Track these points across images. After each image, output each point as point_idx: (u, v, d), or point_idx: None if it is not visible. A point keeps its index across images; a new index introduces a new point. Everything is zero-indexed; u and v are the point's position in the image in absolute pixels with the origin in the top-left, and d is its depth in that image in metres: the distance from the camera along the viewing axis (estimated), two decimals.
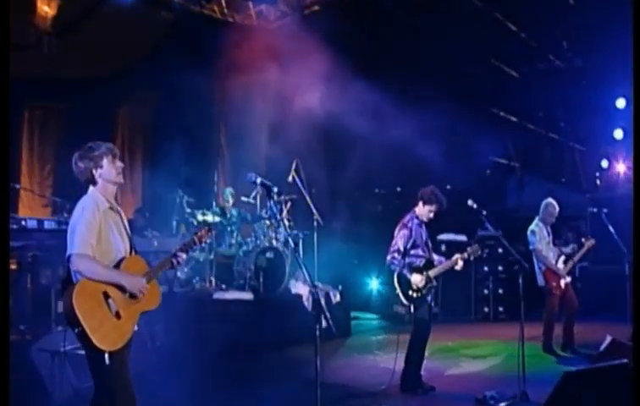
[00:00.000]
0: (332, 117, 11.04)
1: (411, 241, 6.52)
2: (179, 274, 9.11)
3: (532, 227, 8.37)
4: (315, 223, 10.11)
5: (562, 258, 8.28)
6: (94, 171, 3.99)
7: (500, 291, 11.67)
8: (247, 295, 8.76)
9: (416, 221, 6.61)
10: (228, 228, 9.62)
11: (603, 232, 9.95)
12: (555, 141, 16.52)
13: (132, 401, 3.89)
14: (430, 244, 6.77)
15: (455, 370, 7.56)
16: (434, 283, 6.53)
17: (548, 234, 8.40)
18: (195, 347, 7.71)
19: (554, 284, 8.16)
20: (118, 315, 3.82)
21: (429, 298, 6.57)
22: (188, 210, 9.68)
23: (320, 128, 11.58)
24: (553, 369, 7.43)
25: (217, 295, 8.68)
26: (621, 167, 13.43)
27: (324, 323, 9.53)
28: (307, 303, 9.25)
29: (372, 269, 12.49)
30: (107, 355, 3.73)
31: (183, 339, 7.65)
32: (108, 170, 4.00)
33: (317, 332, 3.85)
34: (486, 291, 11.67)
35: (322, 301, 9.24)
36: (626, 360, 4.75)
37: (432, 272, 6.49)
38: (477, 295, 11.74)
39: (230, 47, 10.39)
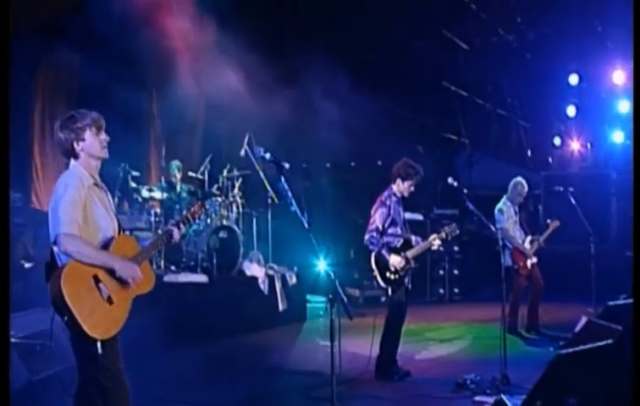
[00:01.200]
0: (277, 89, 11.04)
1: (390, 219, 6.63)
2: None
3: (499, 205, 8.66)
4: (269, 201, 10.09)
5: (529, 238, 8.65)
6: (75, 143, 3.85)
7: (456, 272, 12.05)
8: (201, 278, 8.65)
9: (394, 198, 6.72)
10: (177, 206, 9.44)
11: (561, 212, 10.47)
12: (503, 118, 17.10)
13: (126, 391, 3.81)
14: (407, 224, 6.91)
15: (425, 354, 7.78)
16: (412, 265, 6.66)
17: (516, 214, 8.73)
18: (147, 335, 7.54)
19: (521, 264, 8.50)
20: (110, 301, 3.72)
21: (406, 280, 6.70)
22: (133, 185, 9.46)
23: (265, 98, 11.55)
24: (522, 351, 7.80)
25: (169, 278, 8.54)
26: (575, 145, 14.03)
27: (280, 306, 9.66)
28: (263, 285, 9.25)
29: (321, 248, 12.56)
30: (99, 344, 3.63)
31: (133, 327, 7.47)
32: (91, 143, 3.87)
33: (330, 315, 3.79)
34: (441, 272, 12.01)
35: (279, 283, 9.44)
36: (611, 341, 5.04)
37: (410, 253, 6.63)
38: (432, 276, 12.08)
39: (162, 7, 10.13)
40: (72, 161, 3.90)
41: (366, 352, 6.85)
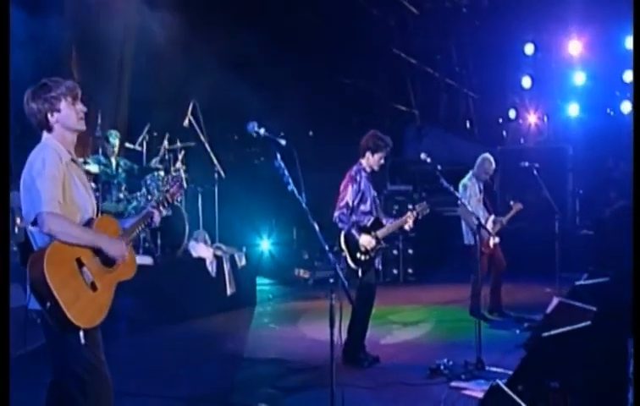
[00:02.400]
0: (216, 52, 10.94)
1: (359, 195, 6.71)
2: None
3: (464, 181, 8.83)
4: (216, 176, 10.00)
5: (491, 217, 8.84)
6: (49, 115, 3.73)
7: (410, 251, 12.29)
8: (144, 259, 8.49)
9: (364, 174, 6.79)
10: (115, 181, 9.21)
11: (518, 188, 10.81)
12: (453, 88, 17.44)
13: (107, 385, 3.73)
14: (377, 200, 6.99)
15: (390, 339, 7.94)
16: (383, 245, 6.76)
17: (480, 191, 8.92)
18: None
19: (483, 244, 8.68)
20: (93, 287, 3.65)
21: (377, 261, 6.80)
22: None
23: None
24: (487, 334, 8.00)
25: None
26: (532, 118, 14.46)
27: (229, 290, 9.61)
28: (211, 267, 9.18)
29: (263, 227, 12.62)
30: (82, 334, 3.55)
31: None
32: (67, 114, 3.75)
33: (330, 301, 3.82)
34: (395, 252, 12.22)
35: (228, 265, 9.39)
36: (590, 322, 5.28)
37: (380, 232, 6.72)
38: (385, 256, 12.24)
39: None
40: (45, 135, 3.77)
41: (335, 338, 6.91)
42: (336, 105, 14.66)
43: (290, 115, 13.25)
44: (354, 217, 6.69)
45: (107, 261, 3.74)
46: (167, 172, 9.48)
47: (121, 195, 9.15)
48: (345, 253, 6.65)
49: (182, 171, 9.57)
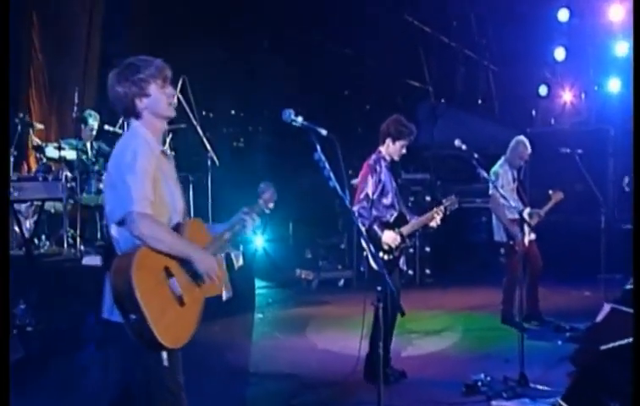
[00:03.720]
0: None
1: (380, 187, 6.79)
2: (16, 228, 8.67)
3: (495, 168, 8.87)
4: (209, 162, 10.04)
5: (527, 210, 8.79)
6: (137, 100, 3.78)
7: (427, 249, 12.40)
8: None
9: (384, 163, 6.87)
10: (94, 169, 9.26)
11: (549, 177, 10.85)
12: (471, 60, 17.43)
13: None
14: (399, 193, 7.07)
15: (413, 350, 8.03)
16: (408, 243, 6.85)
17: (514, 180, 8.95)
18: (75, 331, 7.51)
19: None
20: (181, 301, 3.68)
21: (401, 261, 6.88)
22: (37, 141, 9.23)
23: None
24: (525, 345, 8.06)
25: (89, 260, 8.40)
26: (567, 96, 14.44)
27: (224, 295, 9.67)
28: None
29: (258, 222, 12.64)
30: (165, 355, 3.62)
31: (55, 324, 7.47)
32: (157, 99, 3.80)
33: (378, 313, 3.89)
34: (411, 250, 12.27)
35: (223, 266, 9.43)
36: None
37: (405, 229, 6.80)
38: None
39: None
40: (134, 122, 3.83)
41: (351, 350, 6.98)
42: (335, 81, 14.71)
43: (277, 93, 13.38)
44: (374, 212, 6.77)
45: (195, 274, 3.77)
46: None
47: (101, 186, 9.18)
48: (367, 252, 6.70)
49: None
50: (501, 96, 16.98)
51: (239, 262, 9.67)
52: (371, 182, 6.75)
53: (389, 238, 6.68)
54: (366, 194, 6.72)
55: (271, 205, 4.45)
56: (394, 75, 15.82)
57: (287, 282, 11.95)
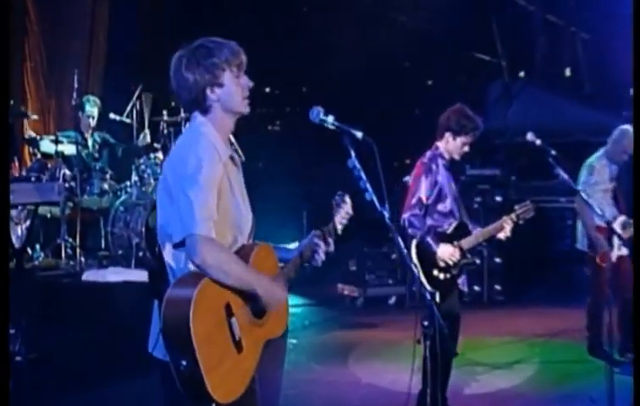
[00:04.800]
0: None
1: (436, 191, 6.75)
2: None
3: (591, 160, 8.62)
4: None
5: (621, 218, 8.52)
6: (209, 90, 3.77)
7: (498, 260, 12.31)
8: (138, 274, 8.65)
9: (441, 161, 6.82)
10: (96, 166, 9.39)
11: None
12: (555, 27, 17.20)
13: None
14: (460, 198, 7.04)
15: (477, 386, 7.99)
16: (469, 259, 6.78)
17: (611, 179, 8.70)
18: (71, 363, 7.59)
19: (602, 253, 8.43)
20: (239, 346, 3.67)
21: (461, 280, 6.83)
22: (31, 133, 9.40)
23: None
24: (618, 382, 7.85)
25: (90, 275, 8.52)
26: None
27: None
28: None
29: (288, 222, 12.71)
30: None
31: (50, 354, 7.54)
32: (230, 91, 3.79)
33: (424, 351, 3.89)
34: (477, 261, 12.21)
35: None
36: None
37: (466, 242, 6.74)
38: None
39: None
40: (199, 118, 3.83)
41: (402, 385, 6.94)
42: (394, 51, 14.67)
43: (325, 64, 13.42)
44: (429, 221, 6.73)
45: (257, 310, 3.77)
46: (166, 152, 9.64)
47: (105, 186, 9.35)
48: (418, 269, 6.68)
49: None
50: (592, 70, 16.73)
51: None
52: (425, 184, 6.70)
53: (446, 252, 6.61)
54: (419, 199, 6.67)
55: (344, 222, 4.50)
56: (459, 48, 15.72)
57: (327, 300, 11.96)
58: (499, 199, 12.37)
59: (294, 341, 9.89)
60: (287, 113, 16.43)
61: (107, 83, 12.07)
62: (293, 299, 11.47)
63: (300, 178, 14.69)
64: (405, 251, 4.02)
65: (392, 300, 12.01)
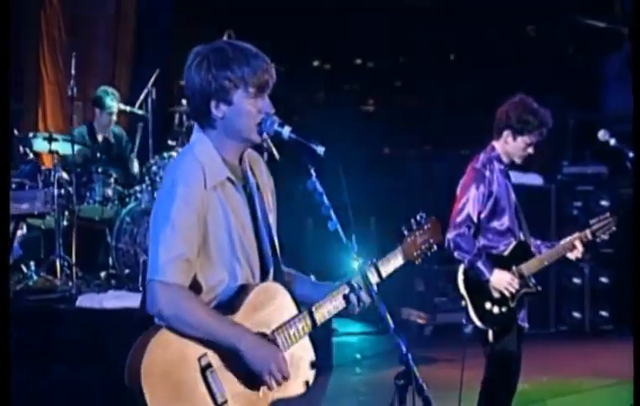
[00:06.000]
0: None
1: (491, 204, 6.64)
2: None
3: None
4: (266, 156, 10.07)
5: None
6: (213, 104, 3.84)
7: (604, 280, 12.05)
8: None
9: (498, 166, 6.71)
10: (98, 169, 9.47)
11: None
12: None
13: None
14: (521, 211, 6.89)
15: None
16: (532, 287, 6.65)
17: None
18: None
19: None
20: None
21: (521, 315, 6.70)
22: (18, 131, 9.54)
23: None
24: None
25: (85, 301, 8.58)
26: None
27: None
28: None
29: (350, 235, 12.66)
30: None
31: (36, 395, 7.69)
32: (240, 113, 3.85)
33: None
34: (577, 281, 11.97)
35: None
36: None
37: (527, 266, 6.62)
38: (560, 290, 12.16)
39: None
40: (197, 133, 3.96)
41: None
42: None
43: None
44: (481, 241, 6.66)
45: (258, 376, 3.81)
46: None
47: (109, 192, 9.40)
48: (466, 300, 6.59)
49: None
50: None
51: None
52: (475, 196, 6.59)
53: (502, 281, 6.51)
54: (468, 216, 6.57)
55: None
56: (565, 11, 15.42)
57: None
58: (605, 203, 12.01)
59: (341, 379, 9.86)
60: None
61: (135, 70, 12.34)
62: (345, 326, 11.49)
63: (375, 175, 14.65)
64: (375, 293, 3.87)
65: (468, 329, 11.74)
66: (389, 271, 4.42)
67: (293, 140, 3.96)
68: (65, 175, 9.20)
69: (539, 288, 6.69)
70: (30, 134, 9.63)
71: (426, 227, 4.51)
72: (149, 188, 9.31)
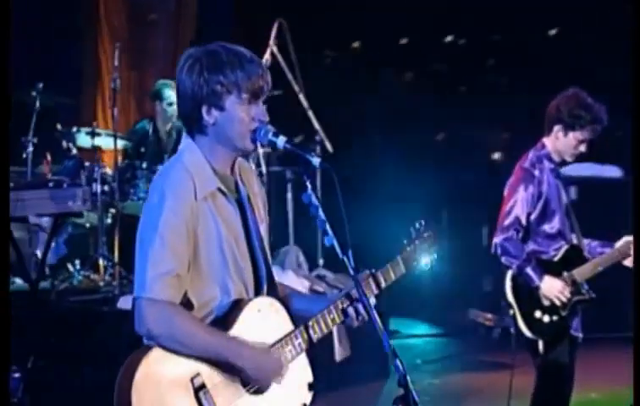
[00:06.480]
0: None
1: (541, 205, 6.62)
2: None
3: None
4: (318, 149, 10.13)
5: None
6: (205, 109, 3.86)
7: None
8: None
9: (548, 165, 6.68)
10: (142, 165, 9.60)
11: None
12: None
13: None
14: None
15: None
16: (585, 294, 6.61)
17: None
18: None
19: None
20: None
21: (574, 324, 6.65)
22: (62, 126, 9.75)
23: None
24: None
25: (125, 302, 8.65)
26: None
27: (337, 354, 9.77)
28: None
29: (395, 234, 12.60)
30: None
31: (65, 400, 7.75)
32: (232, 120, 3.87)
33: None
34: (593, 296, 11.75)
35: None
36: None
37: (580, 272, 6.58)
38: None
39: None
40: (186, 140, 3.97)
41: None
42: None
43: None
44: (530, 245, 6.63)
45: (257, 386, 3.85)
46: None
47: None
48: (515, 309, 6.58)
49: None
50: None
51: (342, 354, 9.68)
52: (523, 197, 6.58)
53: (553, 289, 6.49)
54: (516, 218, 6.56)
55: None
56: None
57: (453, 330, 11.84)
58: None
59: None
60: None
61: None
62: (408, 327, 11.48)
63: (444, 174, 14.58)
64: (369, 305, 3.88)
65: (496, 333, 11.80)
66: (389, 283, 4.36)
67: (288, 150, 3.99)
68: (109, 171, 9.34)
69: (593, 296, 6.63)
70: (74, 129, 9.78)
71: (425, 235, 4.53)
72: None
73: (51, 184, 8.50)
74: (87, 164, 9.48)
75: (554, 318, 6.54)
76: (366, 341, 9.85)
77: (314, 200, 3.88)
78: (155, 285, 3.64)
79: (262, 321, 3.90)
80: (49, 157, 9.68)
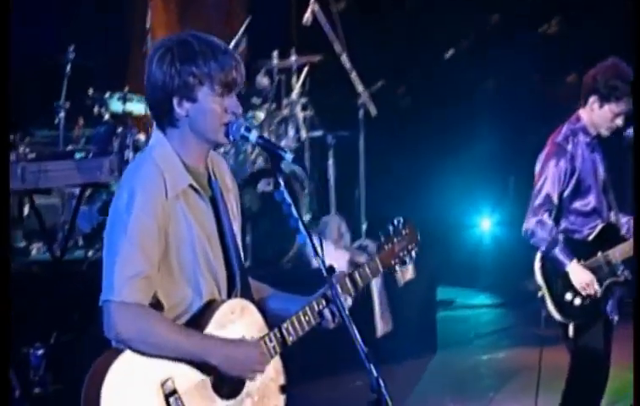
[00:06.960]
0: None
1: (574, 181, 6.59)
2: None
3: None
4: (361, 113, 10.17)
5: None
6: (176, 101, 3.88)
7: None
8: None
9: (584, 138, 6.63)
10: None
11: None
12: None
13: None
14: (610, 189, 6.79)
15: None
16: (621, 275, 6.57)
17: None
18: None
19: None
20: None
21: (609, 306, 6.64)
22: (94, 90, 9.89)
23: None
24: None
25: None
26: None
27: (380, 329, 9.81)
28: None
29: (484, 194, 12.80)
30: None
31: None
32: (205, 112, 3.90)
33: None
34: (629, 276, 11.62)
35: (379, 284, 9.56)
36: None
37: (615, 252, 6.56)
38: None
39: None
40: (156, 134, 4.00)
41: None
42: None
43: None
44: (563, 224, 6.63)
45: (225, 387, 3.89)
46: (276, 106, 9.87)
47: None
48: (544, 292, 6.59)
49: (300, 106, 9.88)
50: None
51: (406, 276, 9.72)
52: (554, 173, 6.53)
53: (580, 279, 6.48)
54: (547, 196, 6.52)
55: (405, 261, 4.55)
56: None
57: (511, 301, 11.77)
58: None
59: (445, 362, 9.86)
60: None
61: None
62: (465, 298, 11.47)
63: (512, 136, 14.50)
64: (343, 308, 3.91)
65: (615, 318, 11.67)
66: (367, 281, 4.35)
67: (261, 145, 4.10)
68: (142, 137, 9.41)
69: (629, 277, 6.59)
70: (107, 94, 9.86)
71: (404, 232, 4.49)
72: (232, 151, 9.45)
73: (77, 156, 8.59)
74: (119, 130, 9.47)
75: (586, 301, 6.51)
76: (411, 314, 9.95)
77: (287, 197, 3.89)
78: (124, 288, 3.66)
79: (235, 323, 3.93)
80: (81, 122, 9.80)
